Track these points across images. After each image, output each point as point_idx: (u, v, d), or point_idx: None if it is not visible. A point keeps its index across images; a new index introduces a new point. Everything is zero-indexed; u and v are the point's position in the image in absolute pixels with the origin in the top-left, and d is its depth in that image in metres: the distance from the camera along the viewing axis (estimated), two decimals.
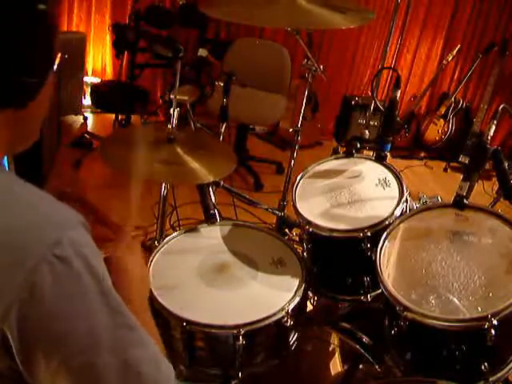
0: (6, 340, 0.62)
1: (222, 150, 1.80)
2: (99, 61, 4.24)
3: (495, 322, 1.12)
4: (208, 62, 3.12)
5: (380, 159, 1.69)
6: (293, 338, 1.45)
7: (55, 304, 0.62)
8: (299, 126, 2.14)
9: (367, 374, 1.58)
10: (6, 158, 0.74)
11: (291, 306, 1.35)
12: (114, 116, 3.71)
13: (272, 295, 1.40)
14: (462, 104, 4.33)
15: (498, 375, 1.23)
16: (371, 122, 3.01)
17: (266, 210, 1.97)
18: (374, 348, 1.49)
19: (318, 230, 1.50)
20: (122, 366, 0.66)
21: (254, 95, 3.47)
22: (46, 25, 0.69)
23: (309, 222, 1.52)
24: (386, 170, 1.65)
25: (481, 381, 1.22)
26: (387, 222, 1.44)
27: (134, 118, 3.78)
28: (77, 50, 3.76)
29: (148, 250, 1.99)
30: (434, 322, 1.18)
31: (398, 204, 1.50)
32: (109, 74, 4.27)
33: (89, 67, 4.21)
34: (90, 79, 4.18)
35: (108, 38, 4.12)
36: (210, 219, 1.62)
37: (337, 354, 1.86)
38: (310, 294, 1.66)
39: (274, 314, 1.32)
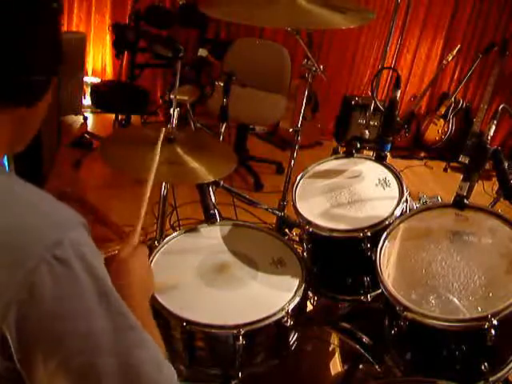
0: (4, 340, 0.61)
1: (221, 150, 1.80)
2: (99, 61, 4.24)
3: (495, 322, 1.12)
4: (208, 62, 3.11)
5: (380, 159, 1.69)
6: (293, 337, 1.45)
7: (54, 304, 0.62)
8: (299, 126, 2.13)
9: (367, 373, 1.58)
10: (5, 158, 0.74)
11: (291, 306, 1.35)
12: (113, 116, 3.72)
13: (272, 295, 1.39)
14: (462, 104, 4.33)
15: (498, 375, 1.23)
16: (371, 122, 3.01)
17: (266, 209, 1.97)
18: (374, 348, 1.49)
19: (317, 230, 1.50)
20: (122, 367, 0.66)
21: (254, 95, 3.47)
22: (57, 22, 0.70)
23: (309, 222, 1.52)
24: (386, 170, 1.65)
25: (481, 381, 1.22)
26: (387, 222, 1.44)
27: (134, 118, 3.78)
28: (77, 50, 3.76)
29: (148, 249, 1.98)
30: (434, 322, 1.18)
31: (397, 204, 1.50)
32: (109, 74, 4.28)
33: (89, 67, 4.21)
34: (90, 79, 4.18)
35: (108, 38, 4.12)
36: (209, 219, 1.62)
37: (337, 354, 1.86)
38: (310, 294, 1.65)
39: (274, 314, 1.32)
